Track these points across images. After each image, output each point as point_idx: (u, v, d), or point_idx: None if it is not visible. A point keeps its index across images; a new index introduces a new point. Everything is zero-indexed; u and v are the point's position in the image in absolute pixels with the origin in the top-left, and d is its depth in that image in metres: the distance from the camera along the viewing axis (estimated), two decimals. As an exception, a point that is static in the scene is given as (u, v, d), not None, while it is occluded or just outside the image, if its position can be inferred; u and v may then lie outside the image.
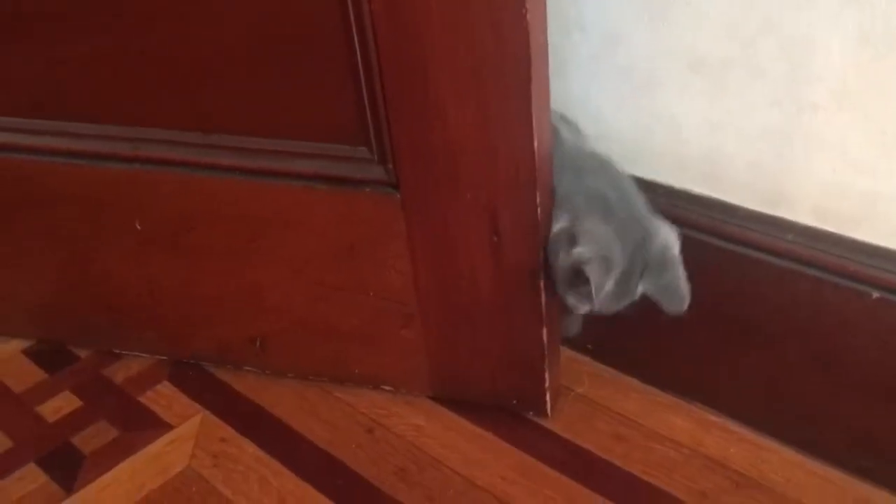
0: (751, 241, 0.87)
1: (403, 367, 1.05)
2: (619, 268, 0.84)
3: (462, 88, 0.80)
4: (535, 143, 0.81)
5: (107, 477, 1.00)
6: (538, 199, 0.84)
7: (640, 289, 0.86)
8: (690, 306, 0.85)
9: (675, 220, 0.88)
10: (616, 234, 0.85)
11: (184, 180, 1.00)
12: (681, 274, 0.86)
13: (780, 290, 0.87)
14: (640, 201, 0.88)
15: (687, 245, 0.86)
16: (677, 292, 0.86)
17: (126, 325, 1.17)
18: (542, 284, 0.90)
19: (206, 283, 1.07)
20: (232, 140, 0.96)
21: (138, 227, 1.05)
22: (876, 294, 0.80)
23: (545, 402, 1.00)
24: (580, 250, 0.84)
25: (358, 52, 0.83)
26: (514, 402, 1.02)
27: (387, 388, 1.08)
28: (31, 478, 1.01)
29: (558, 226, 0.87)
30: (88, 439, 1.05)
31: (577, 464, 0.96)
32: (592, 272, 0.82)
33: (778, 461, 0.94)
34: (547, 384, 0.99)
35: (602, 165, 0.91)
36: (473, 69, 0.79)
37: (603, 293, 0.84)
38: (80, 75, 0.98)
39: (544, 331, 0.94)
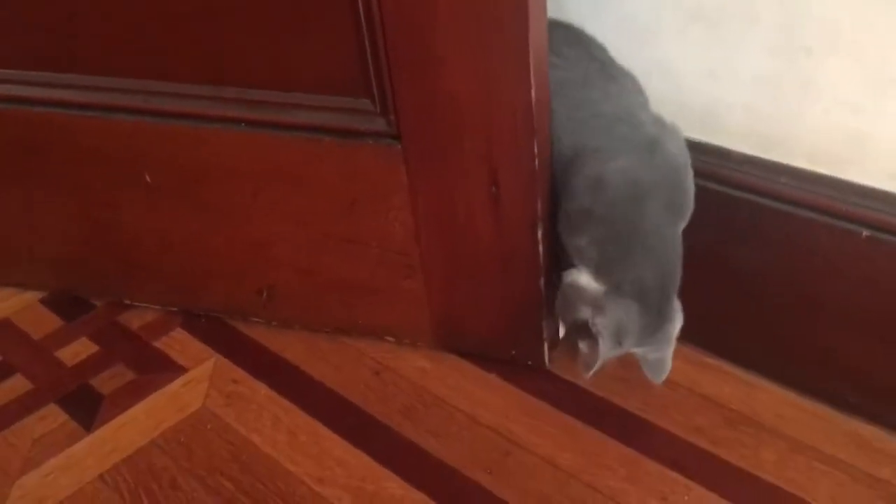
0: (745, 184, 0.90)
1: (406, 318, 1.08)
2: (627, 347, 0.89)
3: (463, 36, 0.81)
4: (533, 92, 0.82)
5: (124, 416, 1.03)
6: (535, 150, 0.85)
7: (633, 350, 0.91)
8: (688, 249, 0.88)
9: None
10: (639, 316, 0.87)
11: (193, 133, 1.02)
12: (671, 352, 0.92)
13: (773, 231, 0.90)
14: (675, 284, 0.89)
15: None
16: (663, 367, 0.92)
17: (138, 276, 1.20)
18: (540, 235, 0.92)
19: (214, 236, 1.10)
20: (240, 93, 0.98)
21: (148, 180, 1.08)
22: (866, 233, 0.83)
23: (542, 352, 1.03)
24: (602, 321, 0.87)
25: (360, 3, 0.84)
26: (513, 352, 1.05)
27: (390, 338, 1.11)
28: (52, 417, 1.04)
29: (583, 277, 0.89)
30: (106, 381, 1.09)
31: (578, 403, 0.99)
32: (603, 345, 0.86)
33: (770, 399, 0.97)
34: (545, 334, 1.01)
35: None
36: (475, 15, 0.80)
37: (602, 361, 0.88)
38: (92, 28, 1.00)
39: (542, 281, 0.96)
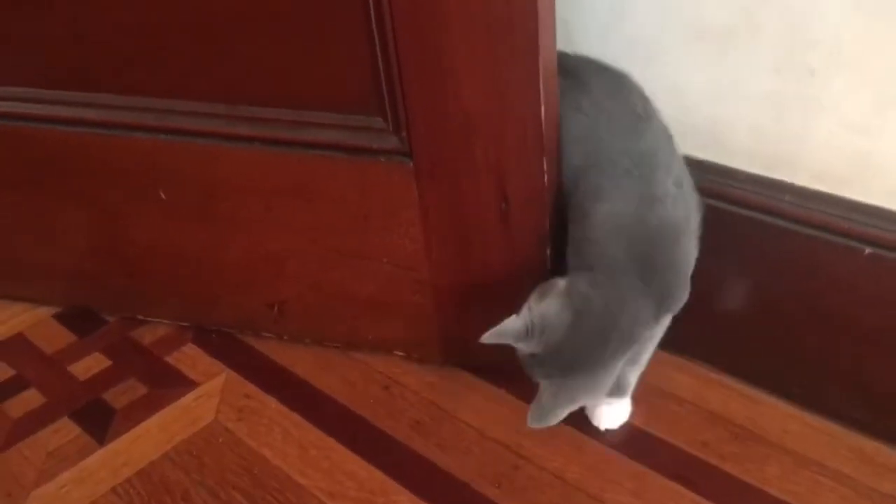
0: (750, 202, 0.91)
1: (415, 333, 1.09)
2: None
3: (475, 54, 0.82)
4: (542, 108, 0.83)
5: (137, 429, 1.05)
6: (545, 166, 0.87)
7: None
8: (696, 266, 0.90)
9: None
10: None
11: (206, 151, 1.03)
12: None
13: (777, 248, 0.91)
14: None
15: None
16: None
17: (150, 292, 1.22)
18: (548, 252, 0.93)
19: (227, 252, 1.11)
20: (253, 111, 0.99)
21: (163, 197, 1.09)
22: (868, 250, 0.84)
23: None
24: (535, 306, 0.85)
25: (374, 21, 0.85)
26: (522, 370, 1.05)
27: (399, 353, 1.12)
28: (66, 430, 1.06)
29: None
30: (119, 395, 1.10)
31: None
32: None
33: (775, 414, 0.98)
34: None
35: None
36: (487, 33, 0.81)
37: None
38: (106, 47, 1.01)
39: None
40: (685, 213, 0.87)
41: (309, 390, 1.08)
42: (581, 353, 0.83)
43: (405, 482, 0.95)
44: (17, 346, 1.22)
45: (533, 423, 0.87)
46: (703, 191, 0.92)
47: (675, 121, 0.95)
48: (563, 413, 0.86)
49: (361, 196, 0.99)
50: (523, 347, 0.85)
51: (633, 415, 0.99)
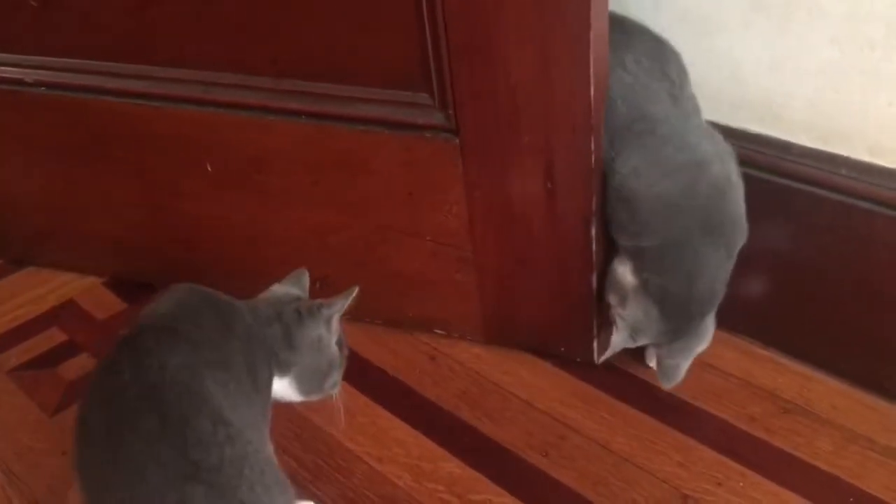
0: (805, 176, 0.91)
1: (458, 310, 1.08)
2: (643, 343, 0.95)
3: (524, 28, 0.82)
4: (592, 89, 0.82)
5: (188, 394, 1.06)
6: (592, 147, 0.86)
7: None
8: (747, 241, 0.90)
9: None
10: (657, 322, 0.91)
11: (253, 123, 1.04)
12: (687, 365, 0.96)
13: (832, 222, 0.90)
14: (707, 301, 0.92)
15: (744, 182, 0.91)
16: (675, 375, 0.95)
17: (197, 263, 1.22)
18: (593, 233, 0.92)
19: (273, 225, 1.12)
20: (300, 85, 0.99)
21: (209, 169, 1.10)
22: (925, 225, 0.84)
23: (592, 349, 1.03)
24: (622, 314, 0.93)
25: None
26: (563, 348, 1.05)
27: (440, 331, 1.12)
28: (118, 394, 1.08)
29: (620, 268, 0.93)
30: (169, 361, 1.12)
31: (633, 391, 1.01)
32: (617, 335, 0.94)
33: (824, 390, 0.98)
34: (594, 331, 1.02)
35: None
36: (538, 9, 0.80)
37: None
38: (158, 19, 1.02)
39: (594, 278, 0.96)
40: (723, 166, 0.89)
41: (357, 359, 1.09)
42: (680, 324, 0.91)
43: (453, 449, 0.96)
44: (68, 312, 1.24)
45: (666, 385, 0.96)
46: (758, 164, 0.92)
47: (730, 93, 0.95)
48: (686, 365, 0.95)
49: (407, 172, 0.99)
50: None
51: (679, 389, 0.99)
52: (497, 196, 0.96)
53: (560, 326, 1.04)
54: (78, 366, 1.13)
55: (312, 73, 0.98)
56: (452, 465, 0.94)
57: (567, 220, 0.93)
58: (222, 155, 1.09)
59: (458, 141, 0.94)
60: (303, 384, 0.87)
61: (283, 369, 0.86)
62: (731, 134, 0.95)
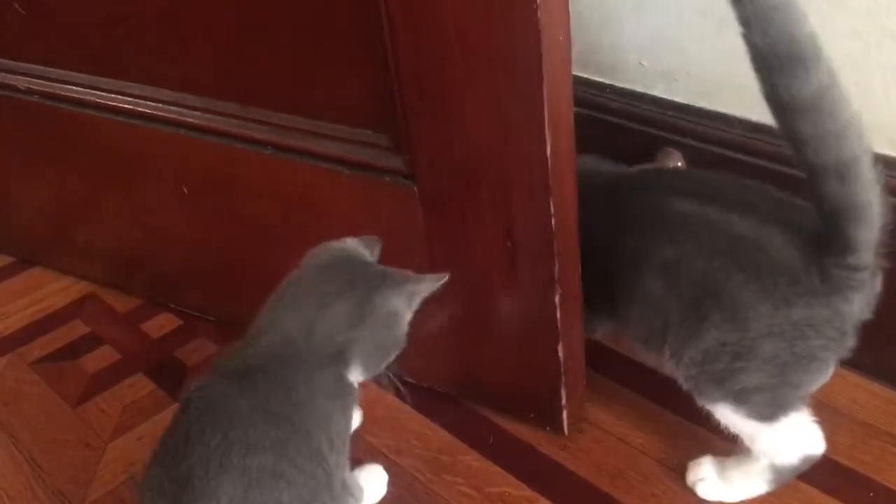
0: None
1: (426, 363, 1.00)
2: None
3: (477, 84, 0.77)
4: (548, 149, 0.76)
5: (209, 386, 1.08)
6: (552, 209, 0.80)
7: None
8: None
9: (750, 152, 0.91)
10: None
11: (222, 150, 1.01)
12: None
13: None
14: None
15: (763, 175, 0.90)
16: None
17: (174, 281, 1.22)
18: (557, 299, 0.86)
19: (242, 251, 1.10)
20: (264, 114, 0.96)
21: (185, 191, 1.08)
22: (946, 219, 0.83)
23: (562, 420, 0.96)
24: None
25: (387, 36, 0.80)
26: (532, 415, 0.98)
27: (410, 380, 1.00)
28: (140, 385, 1.10)
29: None
30: (190, 353, 1.14)
31: (649, 384, 0.98)
32: None
33: (844, 385, 0.97)
34: (563, 402, 0.94)
35: None
36: (488, 61, 0.75)
37: None
38: (131, 37, 1.01)
39: (560, 346, 0.90)
40: None
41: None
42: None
43: (471, 442, 0.97)
44: (90, 306, 1.26)
45: None
46: (776, 158, 0.91)
47: (749, 86, 0.94)
48: None
49: (369, 216, 0.95)
50: None
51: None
52: (457, 250, 0.90)
53: (527, 393, 0.97)
54: (100, 358, 1.15)
55: (277, 104, 0.95)
56: (471, 458, 0.95)
57: (529, 282, 0.87)
58: (197, 179, 1.07)
59: (416, 188, 0.88)
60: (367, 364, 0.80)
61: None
62: (751, 127, 0.96)
